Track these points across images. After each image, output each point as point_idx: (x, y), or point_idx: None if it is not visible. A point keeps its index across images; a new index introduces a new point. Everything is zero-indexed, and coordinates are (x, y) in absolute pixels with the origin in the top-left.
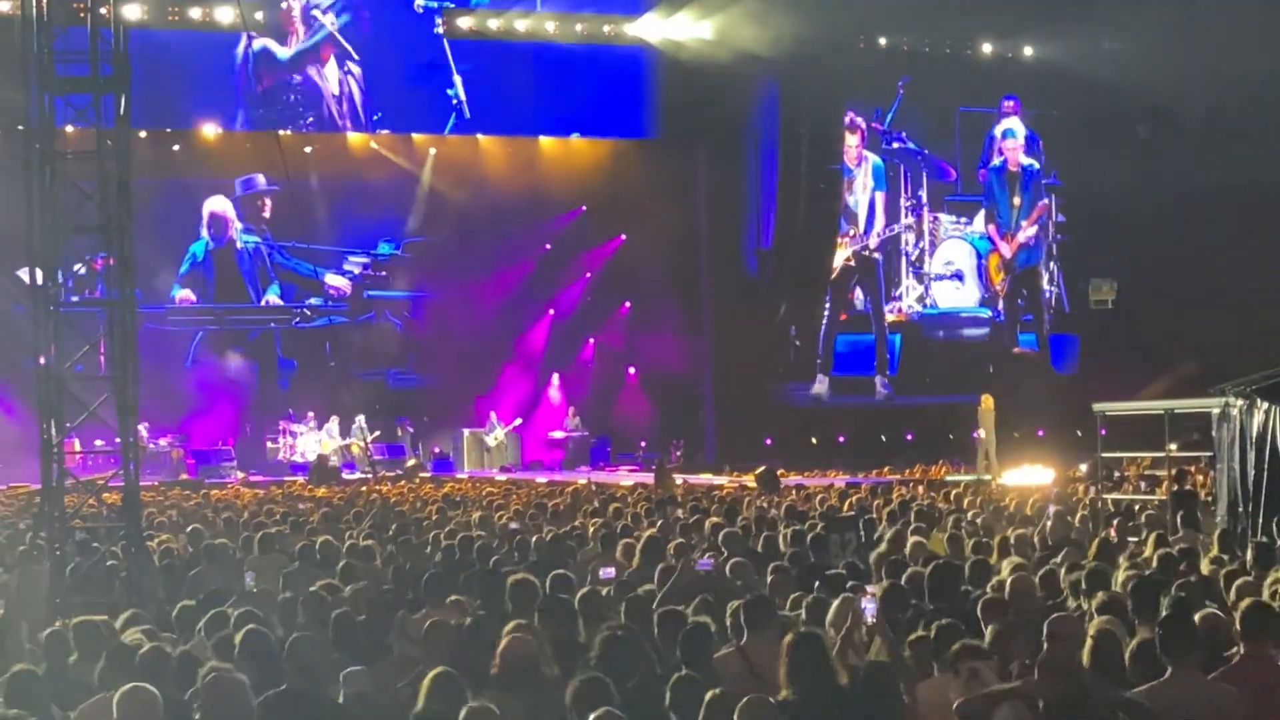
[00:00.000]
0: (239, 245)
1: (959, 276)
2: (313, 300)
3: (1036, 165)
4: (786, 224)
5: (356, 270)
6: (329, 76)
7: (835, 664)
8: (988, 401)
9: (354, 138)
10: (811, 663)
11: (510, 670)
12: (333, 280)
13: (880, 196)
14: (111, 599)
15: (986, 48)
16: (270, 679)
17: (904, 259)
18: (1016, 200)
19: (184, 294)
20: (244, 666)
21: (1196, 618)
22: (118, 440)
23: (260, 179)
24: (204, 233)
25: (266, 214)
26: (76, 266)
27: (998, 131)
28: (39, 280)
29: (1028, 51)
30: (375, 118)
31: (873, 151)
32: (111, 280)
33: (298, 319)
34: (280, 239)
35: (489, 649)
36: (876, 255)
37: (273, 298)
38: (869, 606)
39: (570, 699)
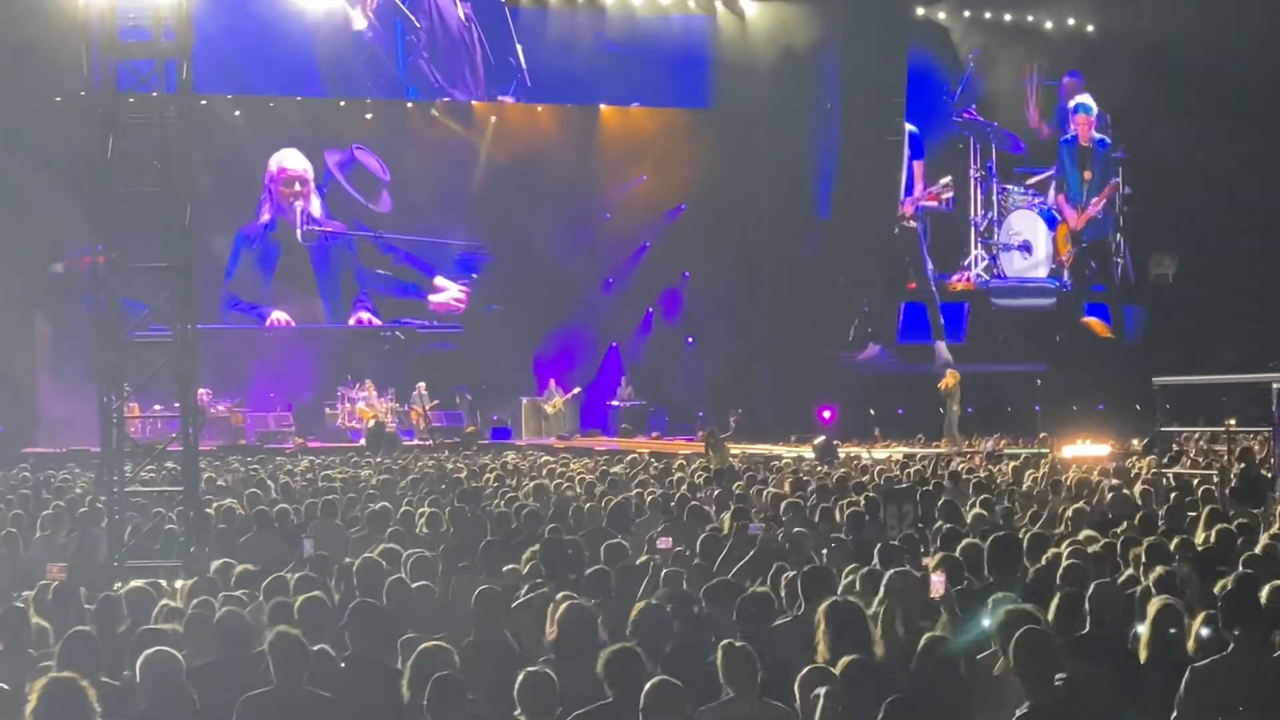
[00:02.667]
0: (308, 231)
1: (1027, 247)
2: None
3: (1107, 139)
4: (845, 194)
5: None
6: (388, 44)
7: (873, 634)
8: (951, 379)
9: (414, 106)
10: (849, 631)
11: (567, 637)
12: (438, 299)
13: (918, 166)
14: (169, 563)
15: (1049, 23)
16: (328, 645)
17: (973, 229)
18: (1087, 174)
19: (279, 315)
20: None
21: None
22: (177, 405)
23: (369, 160)
24: (264, 210)
25: (346, 184)
26: (54, 267)
27: (1070, 105)
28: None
29: (1089, 28)
30: (439, 84)
31: (912, 122)
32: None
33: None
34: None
35: (541, 617)
36: (914, 224)
37: (365, 315)
38: (937, 579)
39: (601, 669)
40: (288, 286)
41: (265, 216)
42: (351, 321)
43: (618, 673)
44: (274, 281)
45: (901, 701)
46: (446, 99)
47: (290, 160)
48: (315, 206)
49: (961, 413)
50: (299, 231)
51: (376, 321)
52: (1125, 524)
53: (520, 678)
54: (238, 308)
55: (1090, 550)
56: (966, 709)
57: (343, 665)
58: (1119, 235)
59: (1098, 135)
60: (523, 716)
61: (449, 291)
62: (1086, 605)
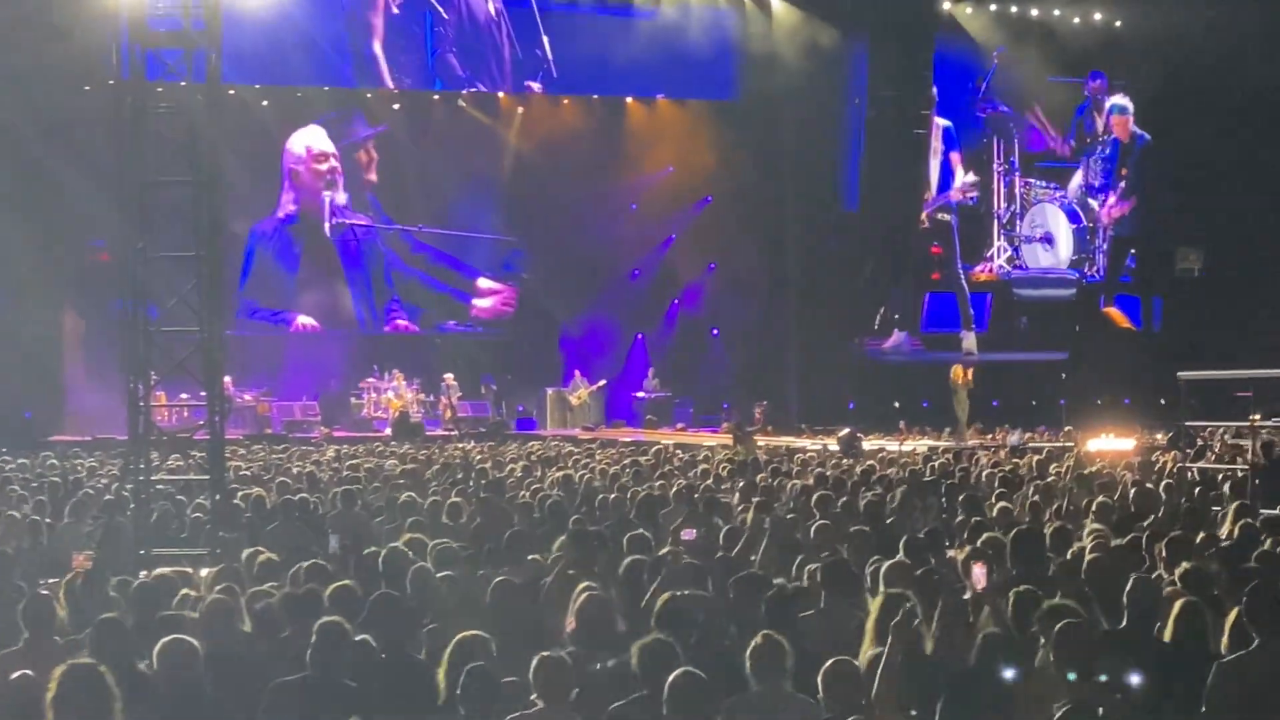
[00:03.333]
0: (337, 225)
1: (1049, 239)
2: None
3: (1147, 136)
4: (871, 186)
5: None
6: (416, 35)
7: (922, 630)
8: (958, 373)
9: (441, 96)
10: (901, 626)
11: (586, 628)
12: (483, 304)
13: (955, 158)
14: (195, 551)
15: (1076, 19)
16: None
17: (995, 221)
18: (1124, 170)
19: (305, 320)
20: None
21: None
22: (203, 394)
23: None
24: (285, 201)
25: (372, 175)
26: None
27: (1107, 105)
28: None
29: (1117, 23)
30: (466, 74)
31: (942, 116)
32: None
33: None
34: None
35: (560, 608)
36: (948, 217)
37: (401, 323)
38: (979, 571)
39: (635, 660)
40: (314, 288)
41: (289, 208)
42: (387, 329)
43: (650, 665)
44: (298, 282)
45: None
46: (473, 89)
47: (317, 140)
48: (341, 196)
49: (970, 407)
50: (327, 225)
51: (415, 328)
52: (1150, 519)
53: (535, 661)
54: (257, 315)
55: (1114, 545)
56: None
57: (383, 656)
58: (1144, 230)
59: (1136, 131)
60: (538, 700)
61: (495, 296)
62: (1124, 600)
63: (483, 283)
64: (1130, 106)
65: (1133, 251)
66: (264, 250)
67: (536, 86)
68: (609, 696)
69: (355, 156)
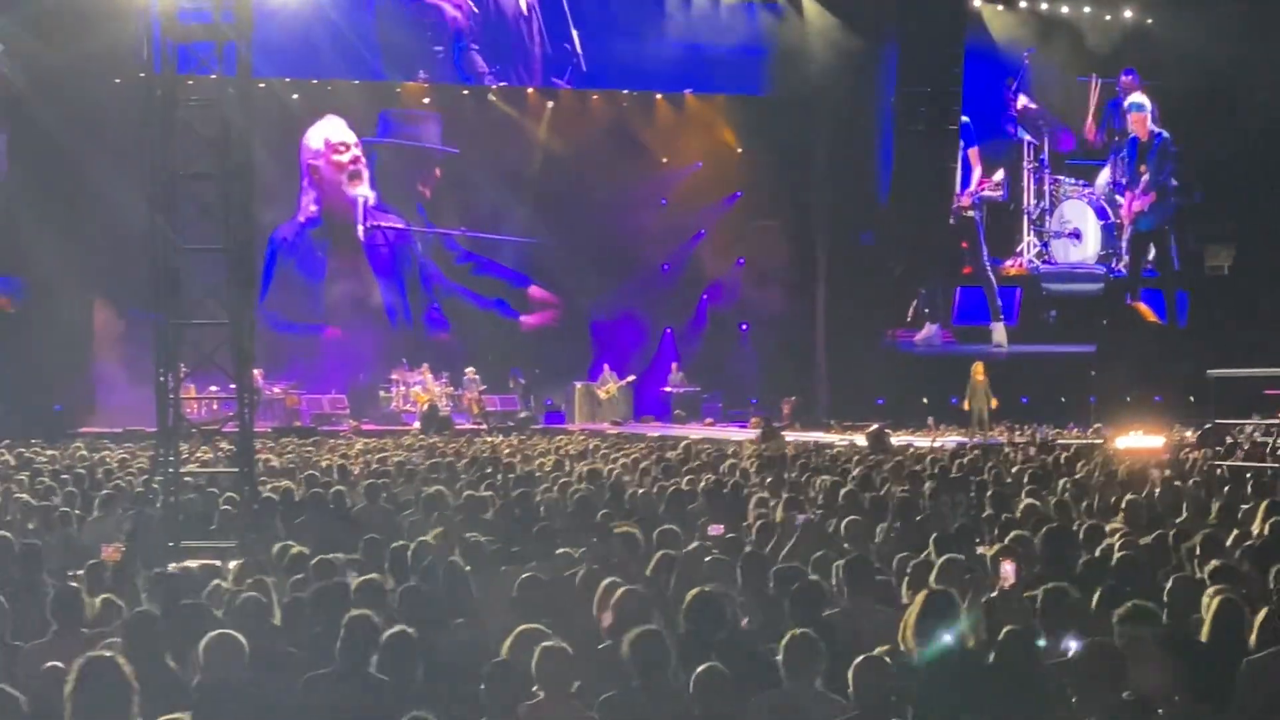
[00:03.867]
0: (369, 228)
1: (1077, 235)
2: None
3: (1165, 133)
4: (902, 182)
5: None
6: (447, 29)
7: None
8: (979, 371)
9: (471, 91)
10: (945, 623)
11: (622, 623)
12: (532, 320)
13: (973, 154)
14: (223, 543)
15: (1106, 15)
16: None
17: (1025, 217)
18: (1143, 167)
19: (335, 332)
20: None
21: None
22: (233, 386)
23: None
24: (306, 203)
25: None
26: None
27: (1125, 104)
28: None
29: (1149, 20)
30: (493, 70)
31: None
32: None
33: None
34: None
35: (589, 603)
36: (973, 213)
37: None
38: (1008, 568)
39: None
40: (342, 295)
41: (310, 209)
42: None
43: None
44: (325, 291)
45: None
46: (503, 84)
47: (335, 131)
48: (369, 192)
49: (997, 404)
50: (360, 228)
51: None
52: (1180, 517)
53: (537, 651)
54: (282, 329)
55: (1143, 543)
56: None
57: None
58: (1170, 227)
59: (1155, 129)
60: (539, 691)
61: (544, 312)
62: (1165, 599)
63: (534, 291)
64: (1148, 104)
65: (1152, 247)
66: (286, 258)
67: (564, 85)
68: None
69: (425, 171)
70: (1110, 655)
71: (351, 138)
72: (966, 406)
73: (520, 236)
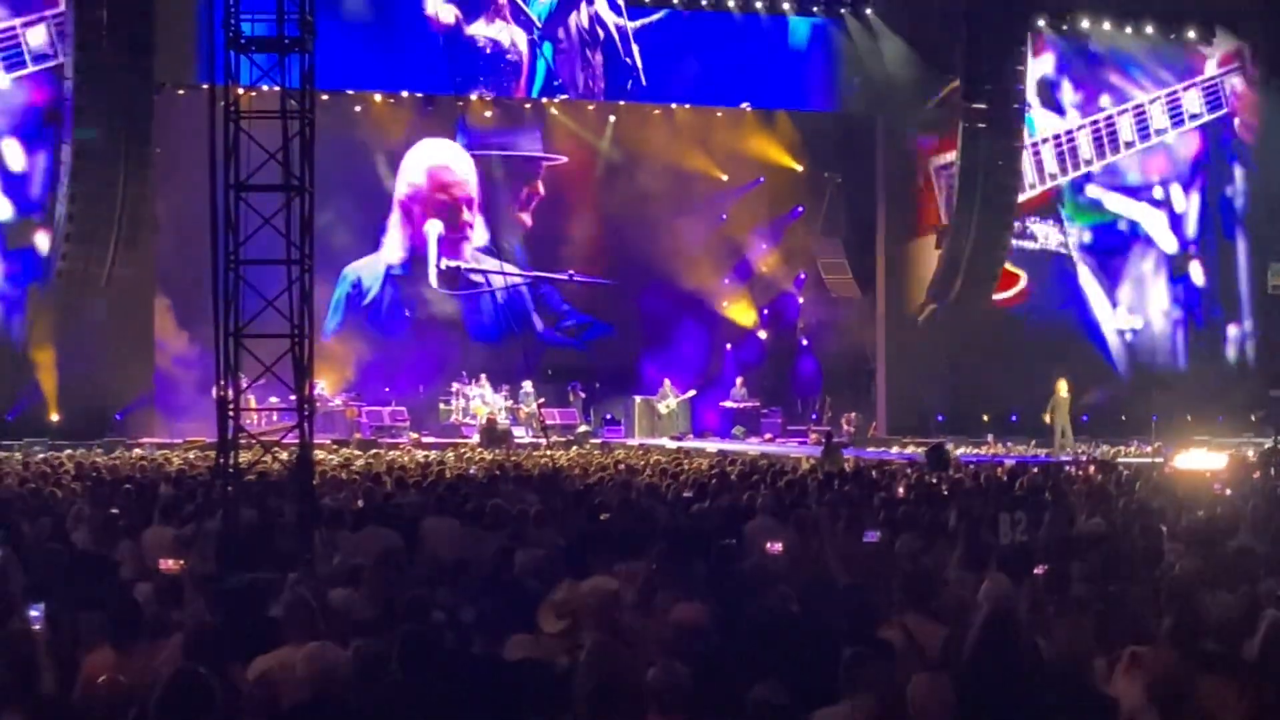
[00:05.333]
0: (447, 268)
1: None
2: None
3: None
4: (966, 200)
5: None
6: (509, 42)
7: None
8: (1063, 387)
9: (533, 105)
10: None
11: (678, 638)
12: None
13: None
14: (283, 556)
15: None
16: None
17: None
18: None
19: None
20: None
21: None
22: (292, 397)
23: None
24: (397, 246)
25: (526, 215)
26: None
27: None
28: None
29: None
30: (555, 83)
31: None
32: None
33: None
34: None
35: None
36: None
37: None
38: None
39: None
40: (418, 362)
41: (397, 255)
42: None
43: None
44: (398, 355)
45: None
46: (564, 97)
47: (453, 162)
48: (480, 234)
49: (1069, 422)
50: (434, 270)
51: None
52: (1239, 536)
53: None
54: (355, 395)
55: (1204, 562)
56: None
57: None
58: (1237, 245)
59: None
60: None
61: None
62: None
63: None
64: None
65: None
66: (357, 309)
67: (625, 101)
68: None
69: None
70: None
71: (469, 171)
72: (1048, 420)
73: (595, 276)
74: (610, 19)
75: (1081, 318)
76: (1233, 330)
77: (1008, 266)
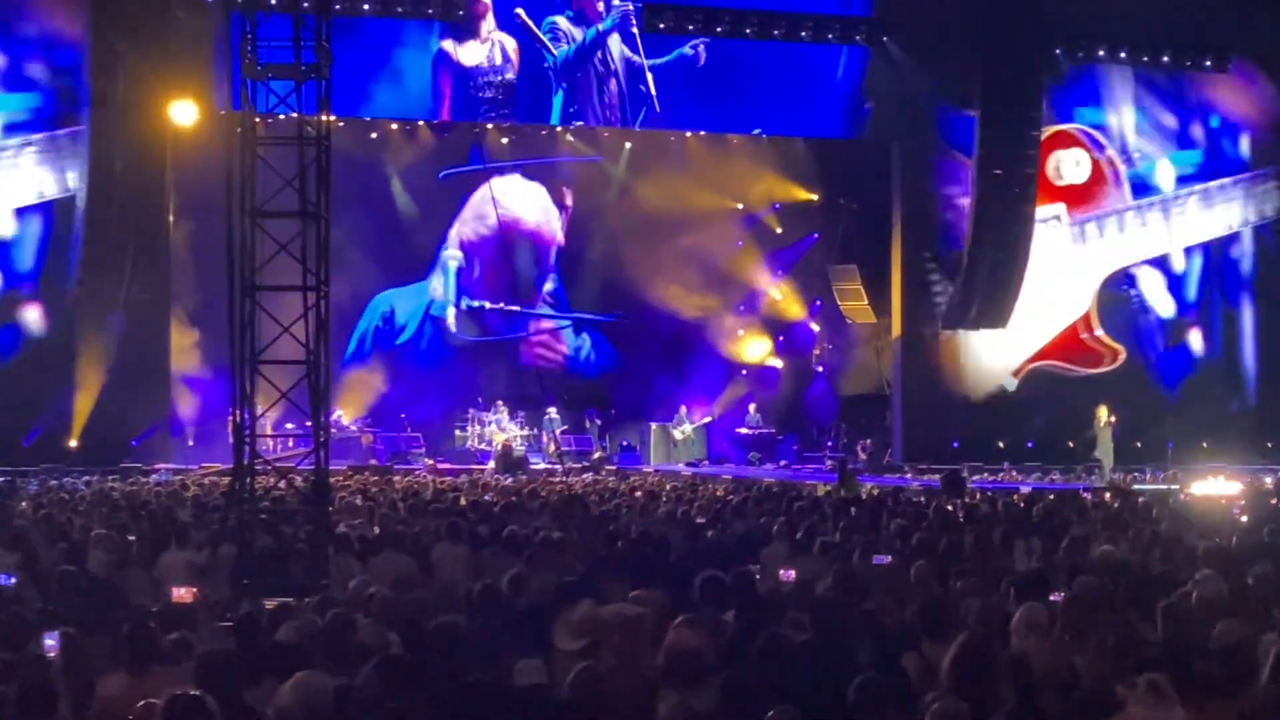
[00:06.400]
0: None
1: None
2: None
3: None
4: (983, 228)
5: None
6: (525, 71)
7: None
8: (1105, 412)
9: (548, 132)
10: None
11: (677, 665)
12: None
13: None
14: (298, 582)
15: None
16: (454, 667)
17: None
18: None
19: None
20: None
21: None
22: (308, 424)
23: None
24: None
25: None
26: None
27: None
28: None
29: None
30: (571, 110)
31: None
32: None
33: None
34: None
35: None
36: None
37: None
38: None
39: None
40: (449, 395)
41: (437, 293)
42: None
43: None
44: (422, 391)
45: None
46: (579, 123)
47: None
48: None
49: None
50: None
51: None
52: (1256, 564)
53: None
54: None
55: (1221, 590)
56: None
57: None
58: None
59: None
60: None
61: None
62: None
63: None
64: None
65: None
66: (386, 335)
67: (638, 128)
68: None
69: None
70: None
71: (554, 217)
72: (1098, 455)
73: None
74: (625, 52)
75: None
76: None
77: (1105, 338)
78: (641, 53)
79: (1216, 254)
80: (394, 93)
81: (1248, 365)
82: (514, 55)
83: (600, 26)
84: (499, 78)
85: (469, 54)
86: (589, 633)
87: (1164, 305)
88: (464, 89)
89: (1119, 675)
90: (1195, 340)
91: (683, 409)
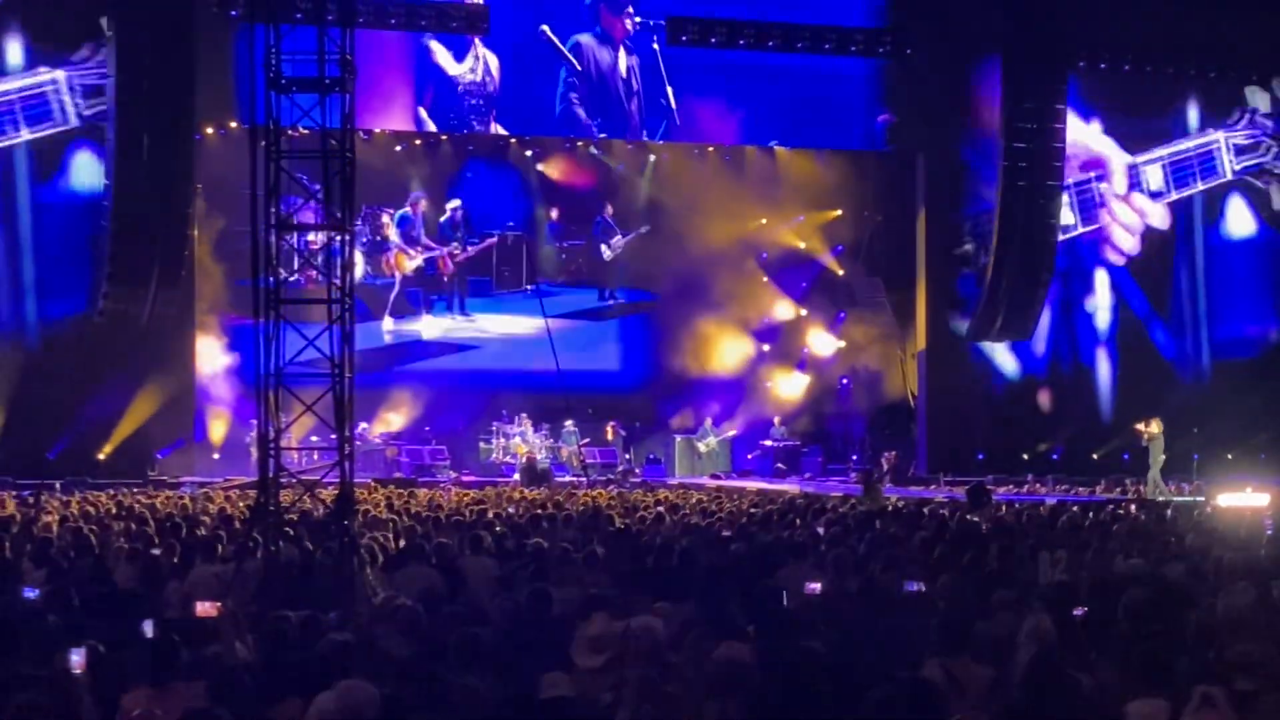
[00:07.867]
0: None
1: None
2: None
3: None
4: (1006, 239)
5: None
6: (546, 84)
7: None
8: (1155, 426)
9: (569, 144)
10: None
11: (718, 679)
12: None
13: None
14: (324, 595)
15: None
16: (478, 679)
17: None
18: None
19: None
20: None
21: None
22: (333, 436)
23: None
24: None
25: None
26: None
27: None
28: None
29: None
30: (590, 124)
31: None
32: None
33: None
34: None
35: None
36: None
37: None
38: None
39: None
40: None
41: None
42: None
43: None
44: (445, 403)
45: None
46: (603, 135)
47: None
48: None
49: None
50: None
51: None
52: None
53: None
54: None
55: (1248, 603)
56: None
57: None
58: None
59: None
60: None
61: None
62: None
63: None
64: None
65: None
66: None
67: (660, 141)
68: None
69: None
70: None
71: None
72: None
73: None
74: (646, 61)
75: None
76: None
77: None
78: (663, 67)
79: None
80: (427, 103)
81: None
82: (495, 72)
83: (624, 44)
84: (530, 89)
85: (454, 64)
86: (607, 648)
87: None
88: (486, 101)
89: (1133, 688)
90: None
91: (708, 421)
